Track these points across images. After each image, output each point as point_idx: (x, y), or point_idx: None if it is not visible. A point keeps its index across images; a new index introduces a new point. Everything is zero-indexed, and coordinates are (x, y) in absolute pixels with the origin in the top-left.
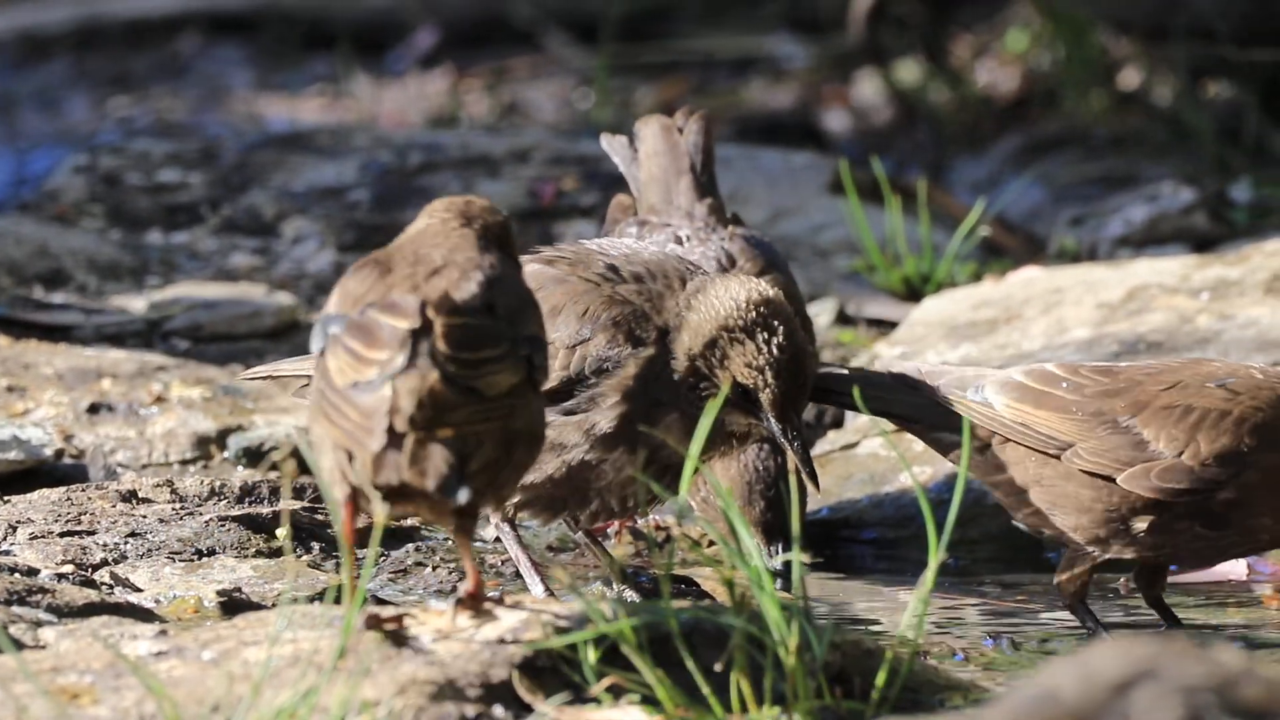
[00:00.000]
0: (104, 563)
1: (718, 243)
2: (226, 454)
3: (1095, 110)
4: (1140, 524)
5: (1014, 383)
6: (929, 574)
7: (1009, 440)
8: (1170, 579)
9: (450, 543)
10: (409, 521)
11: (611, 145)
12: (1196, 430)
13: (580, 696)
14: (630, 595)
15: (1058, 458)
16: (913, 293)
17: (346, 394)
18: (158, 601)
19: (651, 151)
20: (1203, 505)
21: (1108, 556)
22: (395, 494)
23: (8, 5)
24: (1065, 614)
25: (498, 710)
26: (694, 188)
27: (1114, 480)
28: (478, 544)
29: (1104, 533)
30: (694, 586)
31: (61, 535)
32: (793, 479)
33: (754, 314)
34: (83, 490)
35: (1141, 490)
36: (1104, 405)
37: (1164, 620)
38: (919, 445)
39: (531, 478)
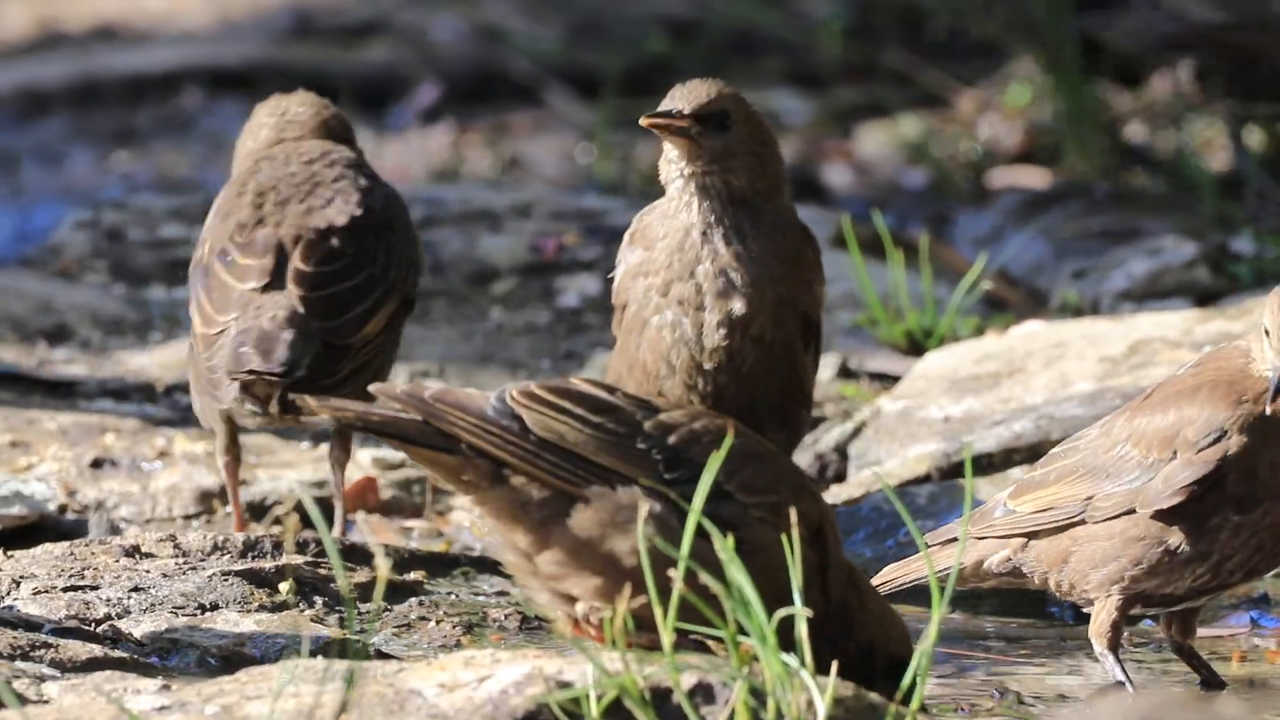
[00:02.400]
0: (107, 617)
1: None
2: (229, 509)
3: (1097, 164)
4: (1180, 542)
5: (1019, 483)
6: (931, 627)
7: (1035, 539)
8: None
9: (454, 598)
10: (412, 576)
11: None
12: (1180, 420)
13: None
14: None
15: (1083, 521)
16: (915, 347)
17: None
18: (161, 656)
19: None
20: (1222, 491)
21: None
22: None
23: (8, 61)
24: (1070, 667)
25: None
26: None
27: (1134, 511)
28: (480, 598)
29: (1151, 572)
30: (698, 640)
31: (65, 590)
32: None
33: None
34: (86, 545)
35: (1161, 505)
36: (1098, 447)
37: (1198, 672)
38: (921, 498)
39: None
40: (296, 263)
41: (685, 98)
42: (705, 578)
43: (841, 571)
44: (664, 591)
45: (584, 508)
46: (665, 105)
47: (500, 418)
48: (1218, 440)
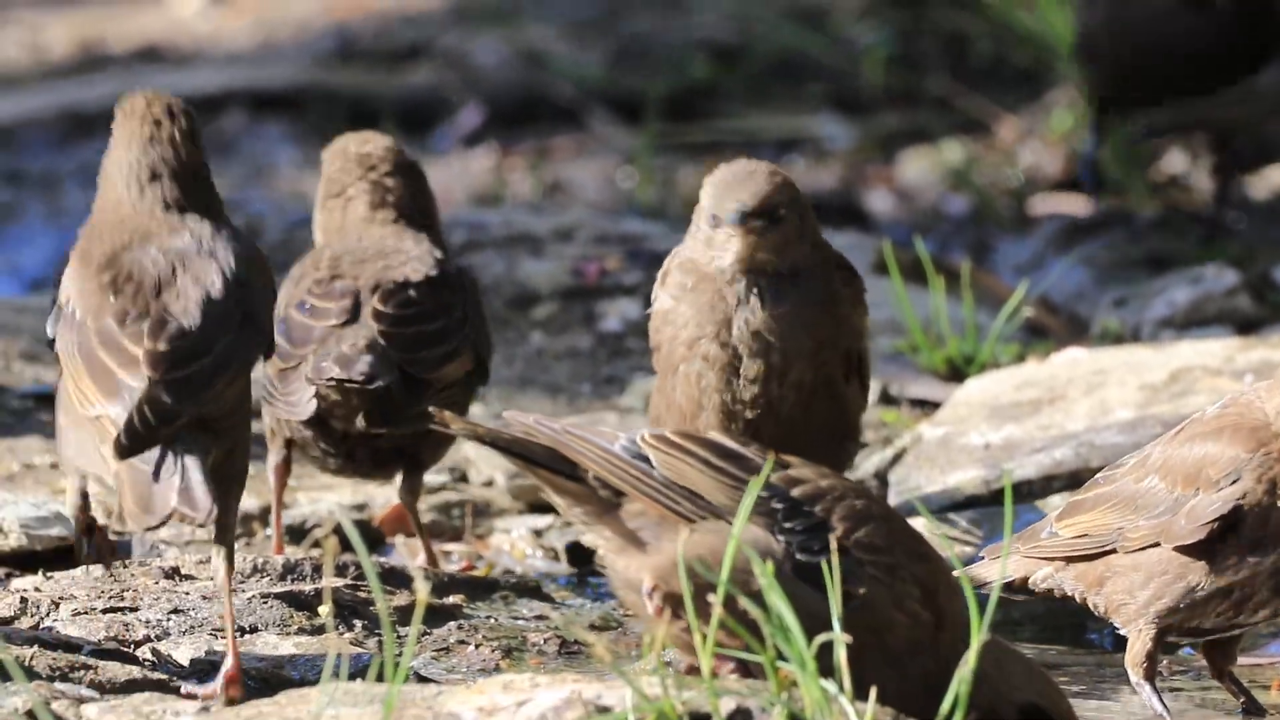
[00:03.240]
0: (146, 639)
1: None
2: (269, 531)
3: (1138, 193)
4: (1201, 579)
5: (1065, 506)
6: (971, 655)
7: (1072, 561)
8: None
9: (493, 621)
10: (450, 600)
11: None
12: (1204, 458)
13: None
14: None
15: (1115, 550)
16: (956, 373)
17: None
18: (200, 678)
19: None
20: (1240, 532)
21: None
22: None
23: (51, 83)
24: (1109, 694)
25: None
26: None
27: (1160, 544)
28: (520, 622)
29: (1176, 606)
30: (740, 664)
31: (104, 611)
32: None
33: None
34: (125, 567)
35: (1183, 541)
36: (1132, 477)
37: (1238, 698)
38: (962, 524)
39: None
40: (375, 304)
41: (749, 194)
42: (744, 602)
43: (959, 635)
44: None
45: (692, 535)
46: (727, 201)
47: (625, 454)
48: (1236, 481)
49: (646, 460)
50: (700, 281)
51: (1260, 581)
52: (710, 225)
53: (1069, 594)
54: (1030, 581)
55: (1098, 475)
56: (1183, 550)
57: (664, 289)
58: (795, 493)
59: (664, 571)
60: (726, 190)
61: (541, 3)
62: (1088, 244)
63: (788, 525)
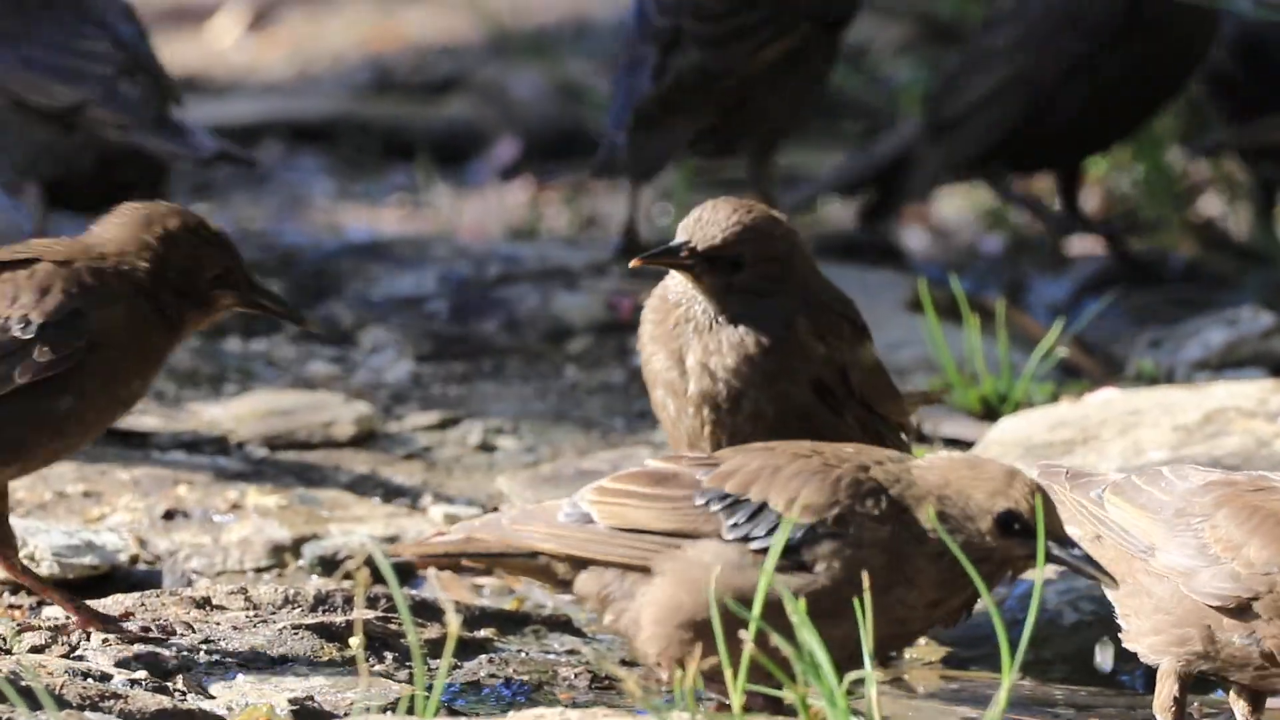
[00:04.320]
0: (177, 669)
1: None
2: (301, 562)
3: (1173, 233)
4: (1222, 637)
5: (1124, 481)
6: (1002, 694)
7: (1101, 538)
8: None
9: (524, 655)
10: (481, 633)
11: None
12: (1253, 534)
13: None
14: None
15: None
16: (989, 412)
17: None
18: (230, 709)
19: None
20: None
21: (1199, 669)
22: None
23: None
24: None
25: None
26: None
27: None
28: (550, 656)
29: (1197, 653)
30: (770, 700)
31: (135, 641)
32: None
33: None
34: (157, 596)
35: (1198, 596)
36: (1188, 504)
37: None
38: None
39: None
40: None
41: (698, 232)
42: (776, 639)
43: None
44: (736, 646)
45: (656, 579)
46: (680, 234)
47: (570, 520)
48: (1268, 574)
49: (589, 517)
50: (665, 311)
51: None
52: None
53: (1093, 576)
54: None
55: (1156, 467)
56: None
57: (645, 316)
58: (729, 486)
59: (662, 643)
60: (688, 223)
61: (579, 37)
62: (1123, 284)
63: (732, 522)
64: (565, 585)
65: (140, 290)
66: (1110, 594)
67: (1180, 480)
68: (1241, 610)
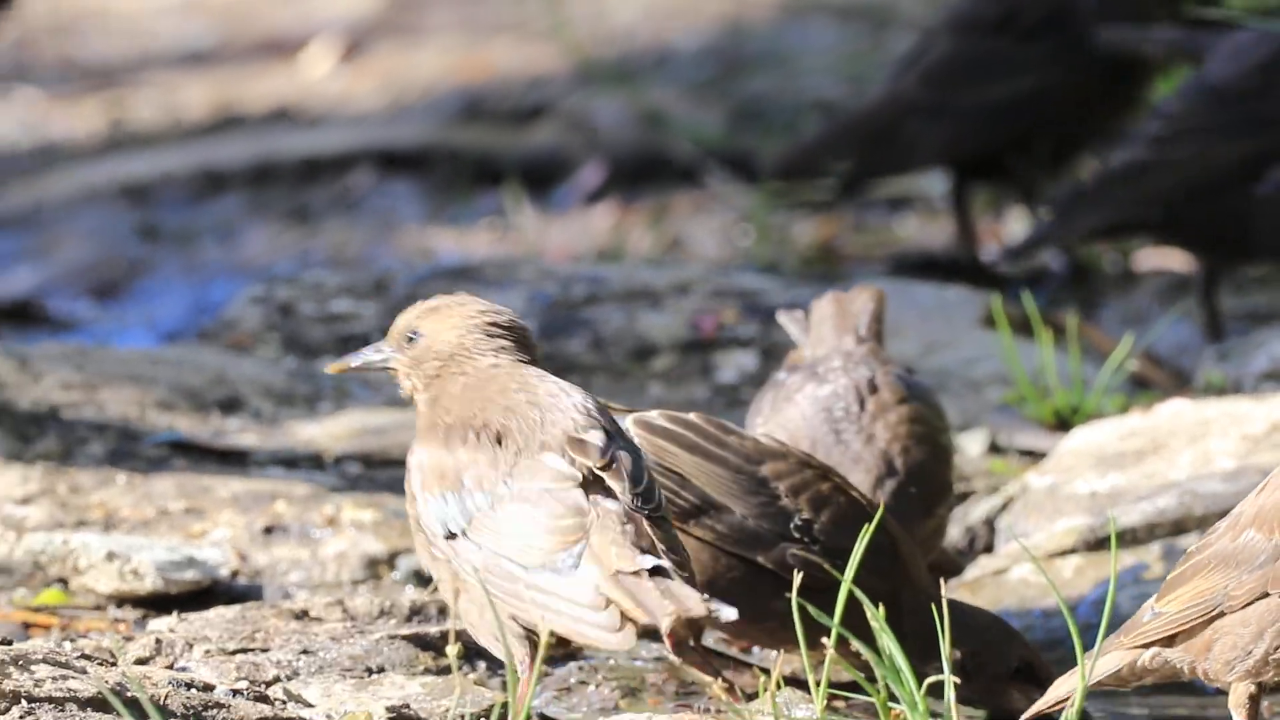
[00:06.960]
0: (277, 679)
1: (864, 371)
2: (396, 575)
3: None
4: None
5: (1165, 584)
6: (1078, 697)
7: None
8: None
9: (612, 662)
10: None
11: (788, 319)
12: None
13: None
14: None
15: (1222, 613)
16: (1062, 424)
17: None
18: (329, 717)
19: (820, 318)
20: None
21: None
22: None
23: (188, 142)
24: None
25: None
26: (855, 340)
27: (1268, 594)
28: (638, 663)
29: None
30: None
31: (236, 652)
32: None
33: None
34: (257, 609)
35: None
36: (1228, 538)
37: None
38: (1068, 571)
39: None
40: None
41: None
42: (857, 644)
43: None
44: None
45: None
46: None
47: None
48: None
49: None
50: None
51: None
52: None
53: (1178, 668)
54: (1139, 665)
55: (1189, 548)
56: None
57: None
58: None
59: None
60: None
61: (661, 65)
62: (1192, 298)
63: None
64: None
65: None
66: (1196, 666)
67: (1205, 539)
68: None
